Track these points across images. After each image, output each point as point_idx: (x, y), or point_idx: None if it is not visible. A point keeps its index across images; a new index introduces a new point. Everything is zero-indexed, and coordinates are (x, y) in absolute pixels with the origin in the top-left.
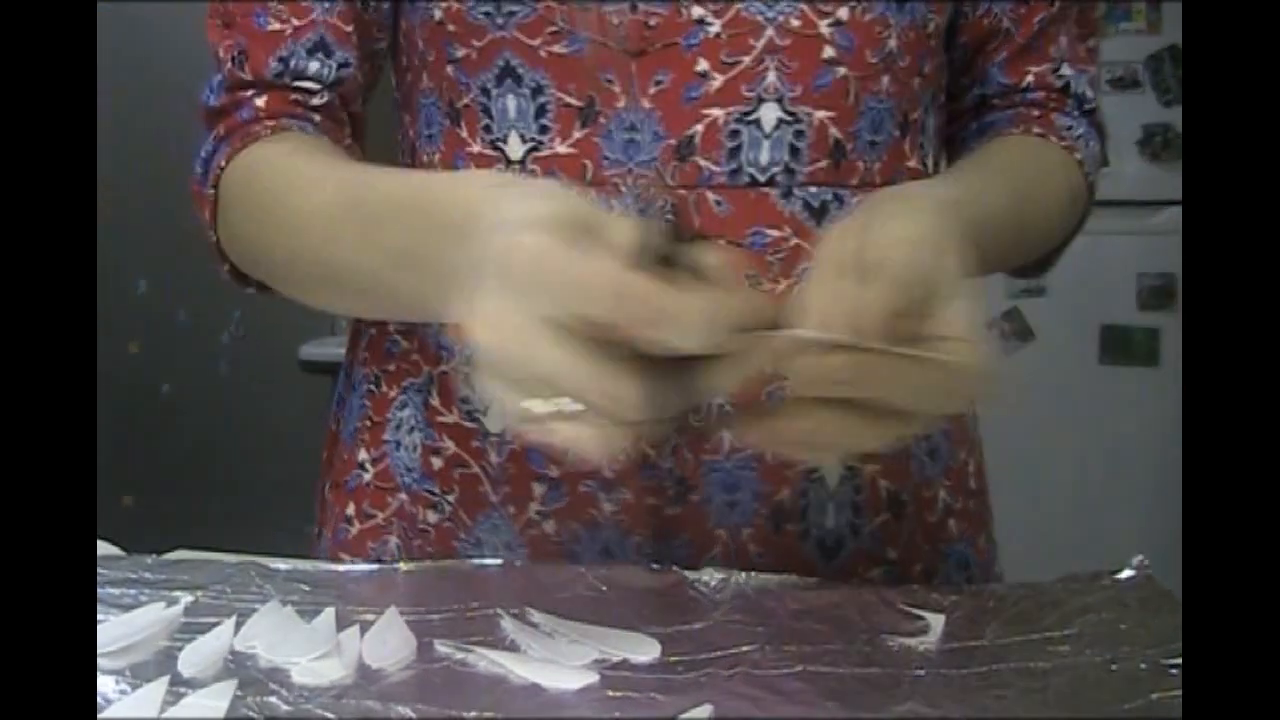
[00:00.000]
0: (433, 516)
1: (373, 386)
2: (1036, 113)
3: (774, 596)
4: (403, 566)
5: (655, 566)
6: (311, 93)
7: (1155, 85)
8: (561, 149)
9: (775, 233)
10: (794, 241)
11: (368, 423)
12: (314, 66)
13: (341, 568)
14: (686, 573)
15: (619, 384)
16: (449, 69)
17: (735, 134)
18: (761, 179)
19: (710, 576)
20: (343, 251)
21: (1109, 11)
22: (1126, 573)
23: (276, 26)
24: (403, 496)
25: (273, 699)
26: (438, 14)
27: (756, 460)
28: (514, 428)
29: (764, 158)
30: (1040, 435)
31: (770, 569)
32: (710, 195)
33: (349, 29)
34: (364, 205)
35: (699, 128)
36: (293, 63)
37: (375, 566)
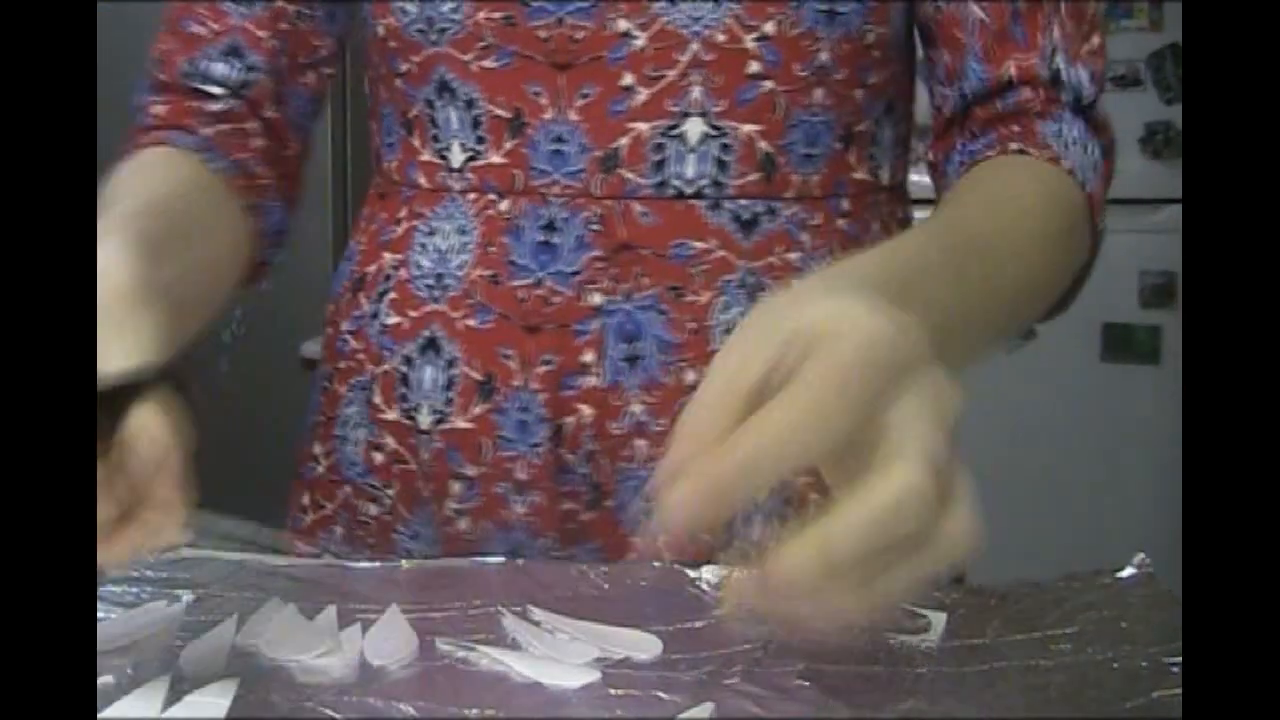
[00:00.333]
0: (374, 509)
1: (326, 383)
2: (1017, 126)
3: None
4: (404, 564)
5: (656, 564)
6: (213, 97)
7: (1157, 83)
8: (495, 159)
9: (700, 244)
10: (719, 254)
11: (322, 417)
12: (220, 69)
13: (343, 565)
14: (688, 571)
15: None
16: (397, 82)
17: (660, 147)
18: (688, 191)
19: (713, 574)
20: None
21: (1111, 9)
22: (1128, 571)
23: (197, 30)
24: (348, 489)
25: (274, 697)
26: (380, 30)
27: None
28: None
29: (690, 171)
30: (1042, 433)
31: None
32: (636, 206)
33: (264, 35)
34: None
35: (624, 141)
36: (201, 64)
37: (377, 564)
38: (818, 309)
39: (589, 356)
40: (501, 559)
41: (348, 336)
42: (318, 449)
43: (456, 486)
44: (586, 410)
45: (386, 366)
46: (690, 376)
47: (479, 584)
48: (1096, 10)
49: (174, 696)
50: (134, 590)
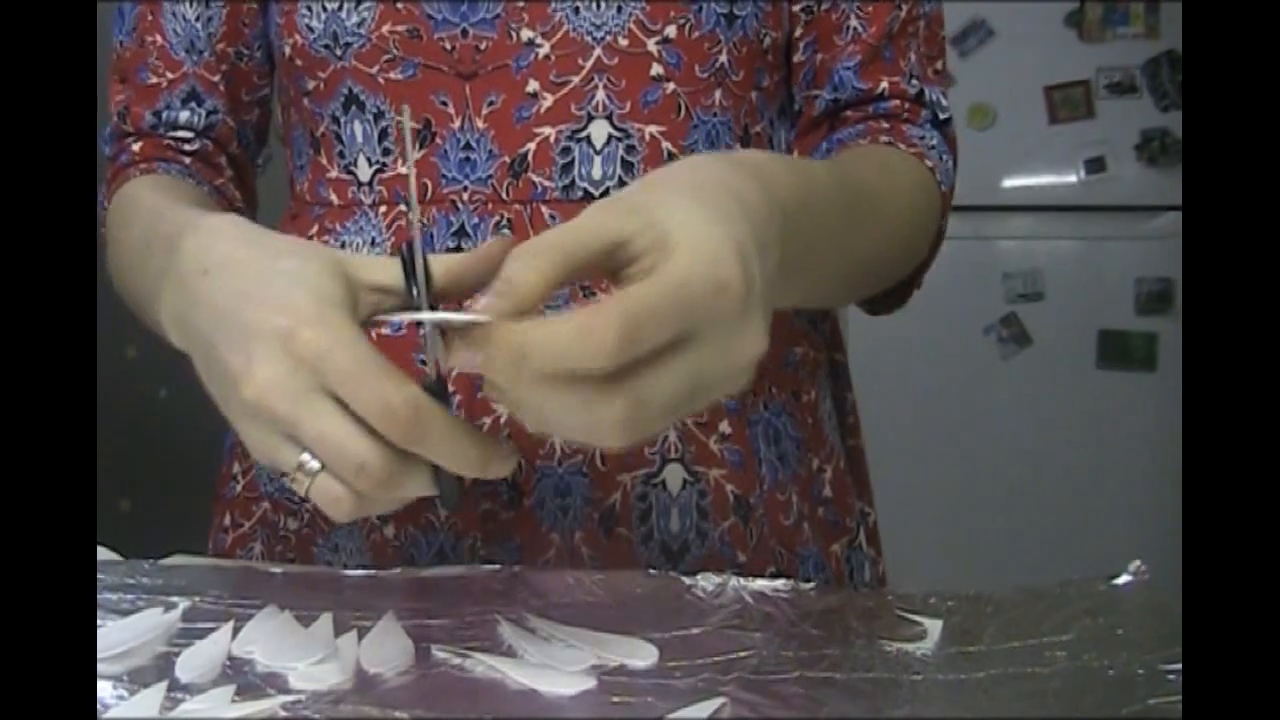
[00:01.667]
0: (293, 523)
1: None
2: (887, 125)
3: (771, 601)
4: (400, 571)
5: (653, 571)
6: (184, 140)
7: (1153, 90)
8: (404, 169)
9: None
10: None
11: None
12: (185, 115)
13: (339, 573)
14: (684, 578)
15: (367, 456)
16: (305, 101)
17: (567, 151)
18: (595, 193)
19: (708, 581)
20: (135, 279)
21: (1107, 15)
22: (1124, 578)
23: (154, 80)
24: (265, 505)
25: (270, 704)
26: (287, 50)
27: (587, 466)
28: (278, 473)
29: (596, 173)
30: (1038, 440)
31: (609, 571)
32: (545, 210)
33: (216, 79)
34: (155, 237)
35: (531, 146)
36: (165, 114)
37: (372, 571)
38: (682, 215)
39: None
40: (497, 566)
41: None
42: (236, 468)
43: None
44: (502, 410)
45: None
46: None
47: (475, 591)
48: (943, 35)
49: (170, 704)
50: (130, 597)
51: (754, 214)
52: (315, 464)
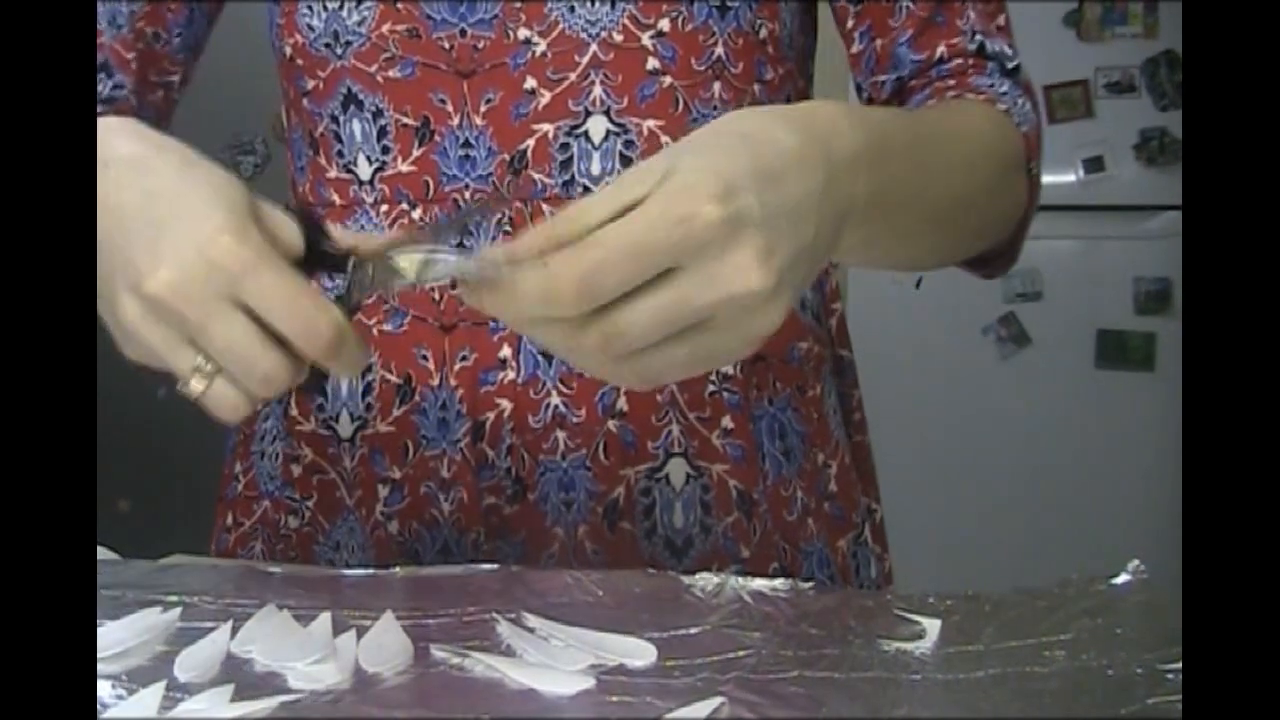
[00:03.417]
0: (293, 522)
1: None
2: (953, 82)
3: (770, 601)
4: (399, 571)
5: (651, 571)
6: None
7: (1151, 90)
8: (404, 167)
9: None
10: None
11: (240, 436)
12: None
13: (337, 572)
14: (682, 577)
15: (270, 366)
16: (304, 101)
17: (566, 147)
18: (595, 189)
19: (707, 581)
20: None
21: (1106, 15)
22: (1122, 577)
23: None
24: (266, 504)
25: (269, 703)
26: (288, 50)
27: (591, 460)
28: (163, 369)
29: (595, 168)
30: (1036, 439)
31: (610, 567)
32: (545, 207)
33: (129, 56)
34: None
35: (530, 142)
36: None
37: (371, 571)
38: (672, 161)
39: (505, 352)
40: (495, 566)
41: None
42: (237, 468)
43: (383, 491)
44: (505, 404)
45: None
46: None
47: (473, 591)
48: None
49: (169, 703)
50: (128, 597)
51: (763, 149)
52: (209, 367)
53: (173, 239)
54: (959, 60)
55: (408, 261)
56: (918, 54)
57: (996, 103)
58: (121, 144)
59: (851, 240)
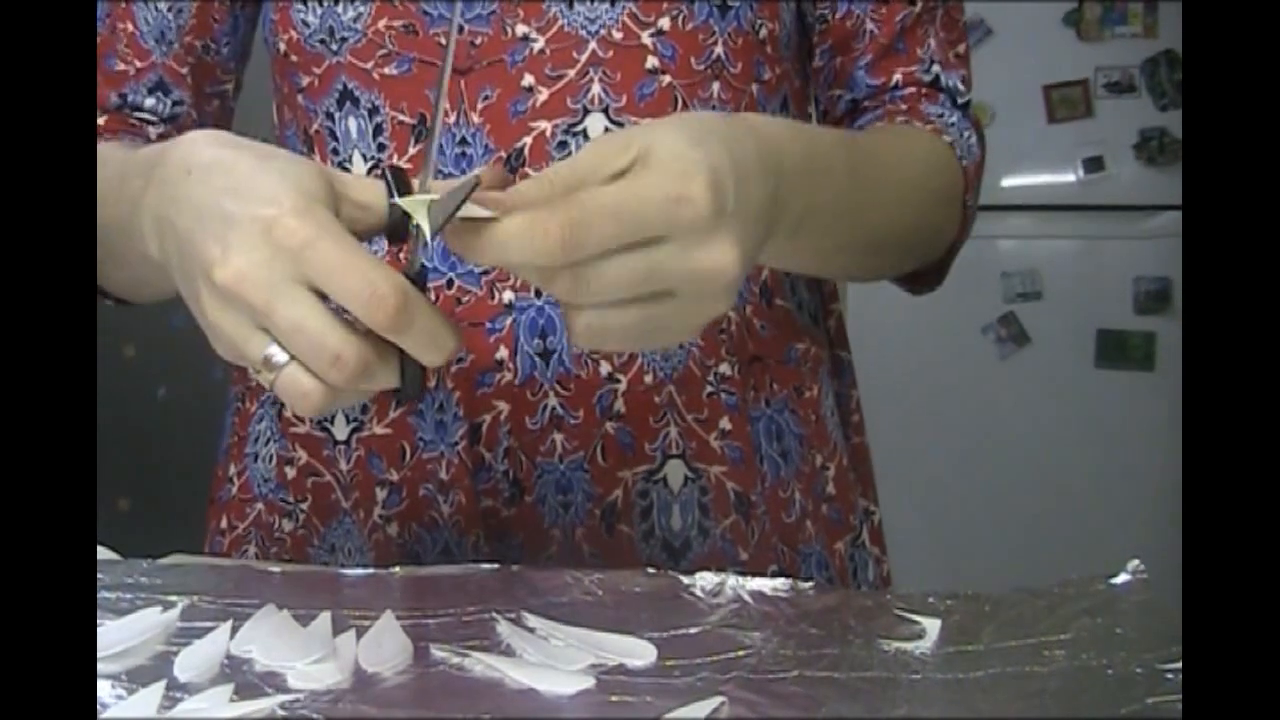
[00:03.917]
0: (287, 525)
1: (239, 404)
2: (903, 106)
3: (770, 601)
4: (398, 571)
5: (651, 570)
6: (149, 122)
7: (1151, 89)
8: (400, 165)
9: None
10: None
11: (234, 439)
12: (151, 103)
13: (337, 572)
14: (682, 577)
15: (341, 347)
16: (299, 98)
17: (564, 145)
18: None
19: (706, 580)
20: (109, 211)
21: (1105, 15)
22: (1122, 577)
23: (121, 68)
24: (260, 506)
25: (269, 703)
26: (282, 46)
27: (588, 462)
28: (243, 364)
29: None
30: (1036, 439)
31: (608, 569)
32: None
33: (183, 71)
34: (131, 166)
35: (527, 140)
36: (131, 98)
37: (370, 571)
38: (662, 137)
39: (502, 353)
40: (495, 565)
41: None
42: (231, 470)
43: (381, 493)
44: (502, 406)
45: None
46: (605, 368)
47: (473, 590)
48: (963, 21)
49: (169, 703)
50: (128, 597)
51: (736, 148)
52: (283, 357)
53: (240, 228)
54: (912, 89)
55: (418, 208)
56: (874, 79)
57: (943, 133)
58: (202, 150)
59: (774, 251)
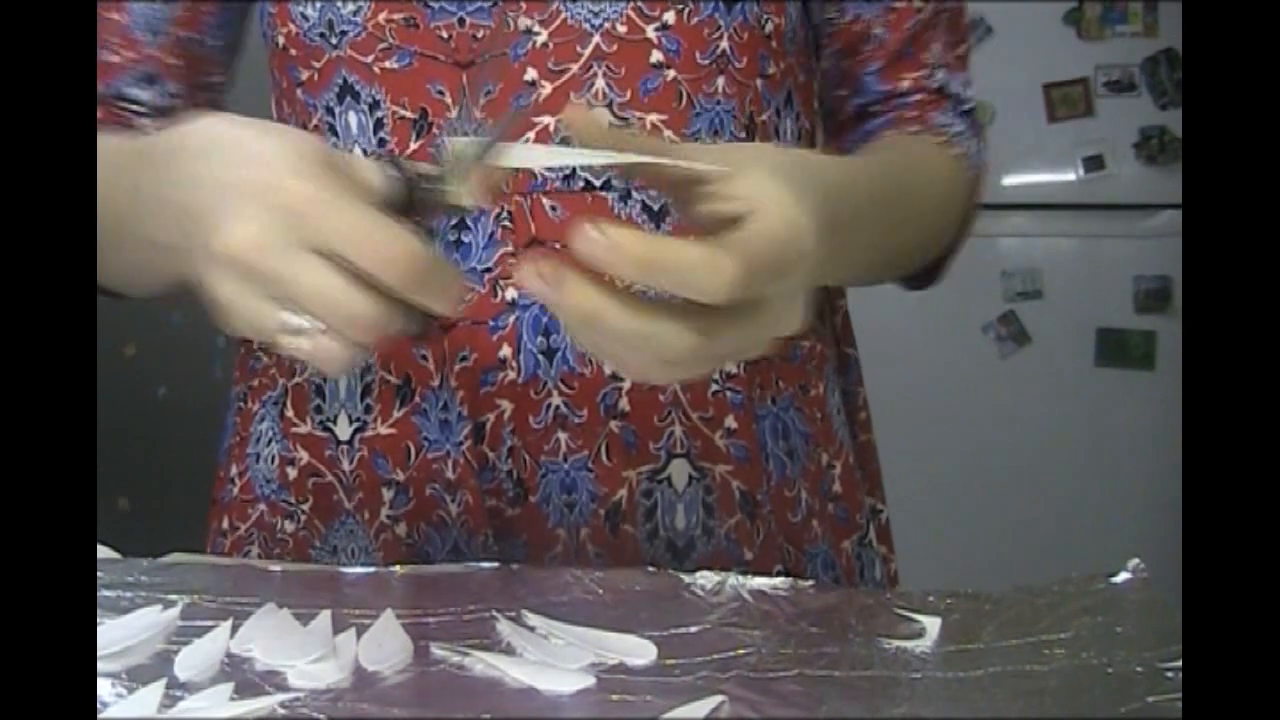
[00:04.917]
0: (289, 526)
1: (241, 403)
2: (913, 113)
3: (770, 599)
4: (399, 569)
5: (651, 569)
6: (141, 114)
7: (1151, 88)
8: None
9: None
10: None
11: (236, 439)
12: (144, 95)
13: (337, 570)
14: (682, 575)
15: (362, 309)
16: (298, 93)
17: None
18: (596, 183)
19: (707, 579)
20: (109, 203)
21: (1105, 14)
22: (1123, 576)
23: (113, 59)
24: (262, 507)
25: (269, 702)
26: (280, 40)
27: (593, 462)
28: (257, 336)
29: None
30: (1036, 438)
31: (613, 569)
32: (545, 200)
33: (174, 61)
34: (129, 156)
35: (530, 135)
36: (122, 89)
37: (371, 570)
38: (769, 179)
39: (505, 351)
40: (495, 564)
41: (260, 354)
42: (232, 470)
43: (387, 493)
44: (506, 405)
45: (299, 379)
46: (609, 366)
47: (473, 589)
48: (966, 24)
49: (168, 702)
50: (128, 595)
51: (817, 202)
52: (299, 321)
53: (238, 194)
54: (920, 96)
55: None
56: (884, 85)
57: (953, 145)
58: (208, 129)
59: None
